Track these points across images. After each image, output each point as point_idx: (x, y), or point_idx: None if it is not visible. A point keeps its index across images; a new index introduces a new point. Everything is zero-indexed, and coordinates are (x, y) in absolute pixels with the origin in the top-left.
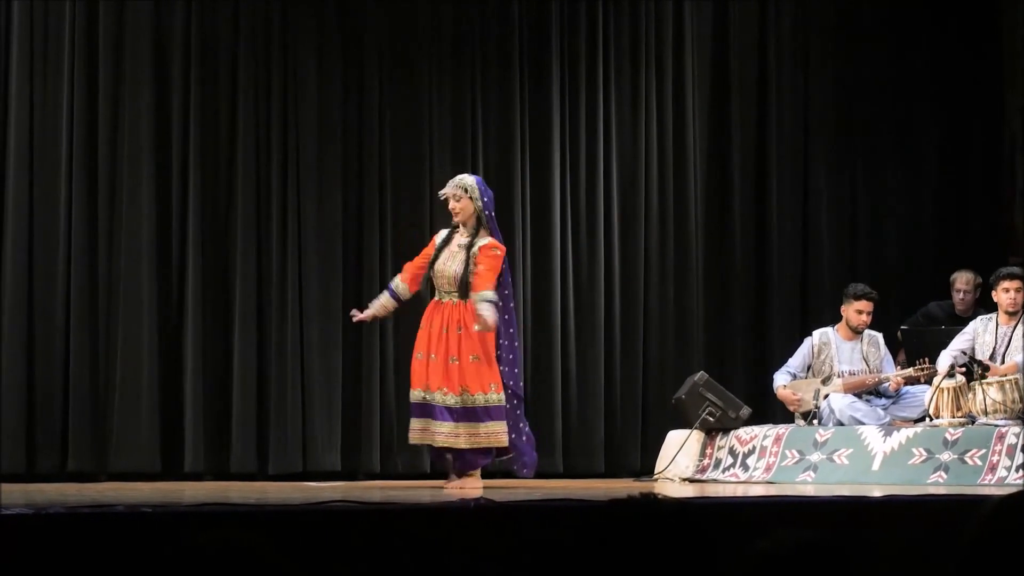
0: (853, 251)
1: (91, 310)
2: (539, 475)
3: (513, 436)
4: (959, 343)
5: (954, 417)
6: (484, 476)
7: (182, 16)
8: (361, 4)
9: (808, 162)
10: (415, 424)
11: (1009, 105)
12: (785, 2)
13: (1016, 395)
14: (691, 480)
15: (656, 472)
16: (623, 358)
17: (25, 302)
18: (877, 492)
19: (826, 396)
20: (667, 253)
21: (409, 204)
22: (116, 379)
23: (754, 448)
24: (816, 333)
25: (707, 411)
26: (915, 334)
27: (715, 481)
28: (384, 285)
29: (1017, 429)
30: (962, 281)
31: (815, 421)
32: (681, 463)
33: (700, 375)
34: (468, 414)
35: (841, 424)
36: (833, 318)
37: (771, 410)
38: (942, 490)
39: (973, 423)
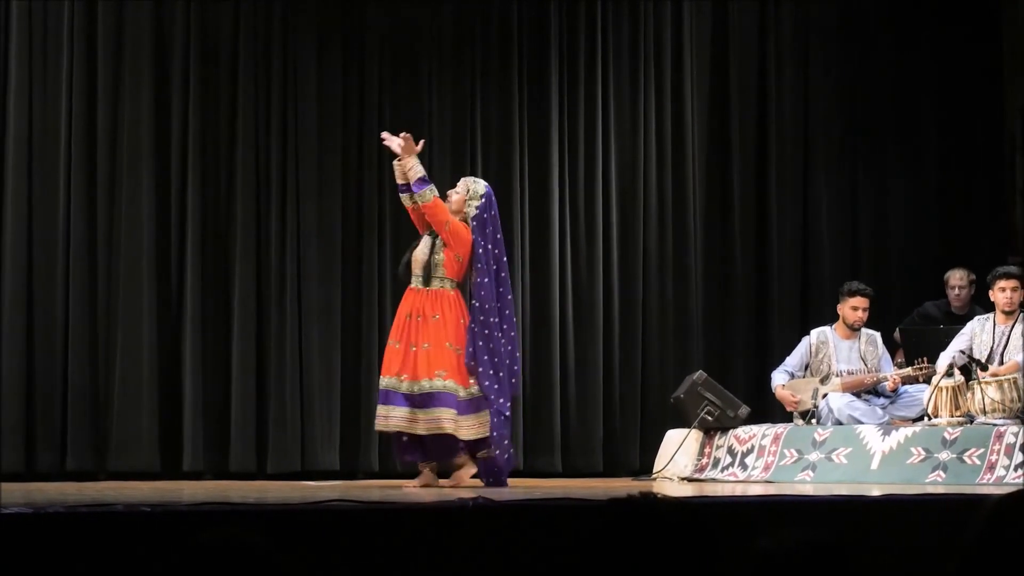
0: (853, 251)
1: (90, 309)
2: (538, 474)
3: (497, 450)
4: (958, 343)
5: (953, 416)
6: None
7: (182, 16)
8: (361, 4)
9: (808, 163)
10: (380, 411)
11: (1009, 105)
12: (785, 3)
13: (1015, 394)
14: (690, 479)
15: (655, 471)
16: (622, 357)
17: (24, 301)
18: (876, 491)
19: (824, 395)
20: (666, 252)
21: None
22: (115, 378)
23: (753, 447)
24: (814, 332)
25: (706, 410)
26: (914, 334)
27: (714, 480)
28: (383, 285)
29: (1016, 428)
30: (956, 278)
31: (813, 420)
32: (680, 462)
33: (699, 374)
34: (423, 400)
35: (840, 423)
36: (833, 318)
37: (770, 409)
38: (941, 489)
39: (972, 422)
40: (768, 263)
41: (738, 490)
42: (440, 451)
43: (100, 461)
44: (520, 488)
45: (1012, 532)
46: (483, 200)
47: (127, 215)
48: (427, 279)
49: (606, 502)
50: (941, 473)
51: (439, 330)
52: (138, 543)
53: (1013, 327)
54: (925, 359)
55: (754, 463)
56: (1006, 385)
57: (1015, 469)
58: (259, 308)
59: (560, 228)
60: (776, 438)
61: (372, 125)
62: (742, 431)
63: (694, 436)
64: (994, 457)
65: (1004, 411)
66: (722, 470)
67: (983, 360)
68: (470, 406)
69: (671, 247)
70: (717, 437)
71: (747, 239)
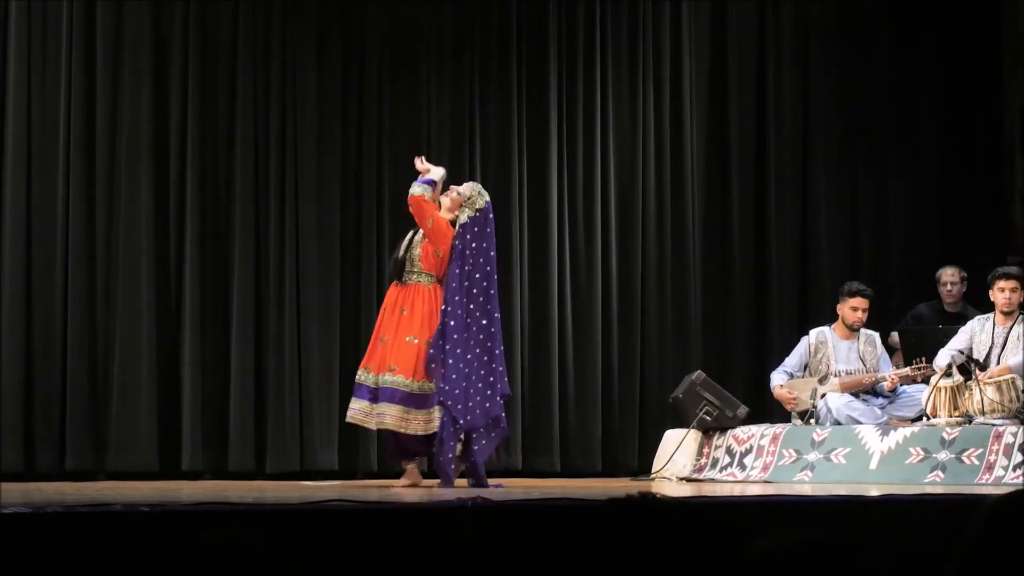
0: (853, 251)
1: (89, 309)
2: (537, 474)
3: (440, 452)
4: (956, 343)
5: (951, 416)
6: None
7: (181, 16)
8: (361, 4)
9: (807, 163)
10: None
11: (1009, 105)
12: (784, 3)
13: (1013, 394)
14: (688, 479)
15: (653, 471)
16: (621, 358)
17: (23, 301)
18: (874, 491)
19: (823, 395)
20: (665, 253)
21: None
22: (114, 378)
23: (751, 447)
24: (813, 332)
25: (704, 410)
26: (913, 334)
27: (712, 480)
28: (382, 285)
29: (1014, 428)
30: (948, 274)
31: (812, 420)
32: (679, 462)
33: (697, 374)
34: (377, 394)
35: (838, 423)
36: (832, 318)
37: (769, 409)
38: (939, 489)
39: (970, 422)
40: (767, 263)
41: (737, 490)
42: (412, 446)
43: (99, 461)
44: (519, 488)
45: (1011, 532)
46: (478, 213)
47: (126, 215)
48: (403, 273)
49: (605, 502)
50: (940, 473)
51: (402, 324)
52: (137, 543)
53: (1012, 328)
54: (923, 359)
55: (753, 463)
56: (1004, 385)
57: (1014, 469)
58: (258, 308)
59: (559, 227)
60: (775, 438)
61: (371, 125)
62: (741, 431)
63: (693, 436)
64: (993, 457)
65: (1003, 411)
66: (721, 470)
67: (981, 360)
68: (423, 401)
69: (670, 247)
70: (716, 437)
71: (746, 239)
